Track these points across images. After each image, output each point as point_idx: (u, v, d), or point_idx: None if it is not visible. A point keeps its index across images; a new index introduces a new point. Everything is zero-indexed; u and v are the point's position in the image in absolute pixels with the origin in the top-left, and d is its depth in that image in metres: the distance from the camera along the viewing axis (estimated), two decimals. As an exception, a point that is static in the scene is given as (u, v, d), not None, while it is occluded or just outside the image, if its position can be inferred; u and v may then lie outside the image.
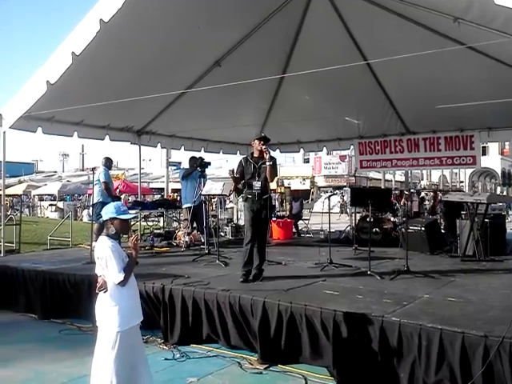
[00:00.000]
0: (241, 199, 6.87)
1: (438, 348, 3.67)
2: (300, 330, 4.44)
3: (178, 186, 10.95)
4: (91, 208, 9.63)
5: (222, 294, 5.03)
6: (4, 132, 7.88)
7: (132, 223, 10.15)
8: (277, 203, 13.80)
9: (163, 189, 18.48)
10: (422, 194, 14.63)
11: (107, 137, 9.97)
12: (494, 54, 7.41)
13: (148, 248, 8.83)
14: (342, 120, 10.67)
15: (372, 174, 30.75)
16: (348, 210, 21.44)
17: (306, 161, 43.73)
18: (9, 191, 28.67)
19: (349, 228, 10.88)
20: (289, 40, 9.04)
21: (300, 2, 8.14)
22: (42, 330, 5.88)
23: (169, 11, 6.93)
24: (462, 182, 41.17)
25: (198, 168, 8.90)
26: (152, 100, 7.60)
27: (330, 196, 11.00)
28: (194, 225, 9.37)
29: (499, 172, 43.43)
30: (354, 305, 4.47)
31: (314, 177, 40.48)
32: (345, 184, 34.38)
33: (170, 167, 18.11)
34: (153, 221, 12.82)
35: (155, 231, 10.70)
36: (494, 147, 41.94)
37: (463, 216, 8.04)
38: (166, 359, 4.72)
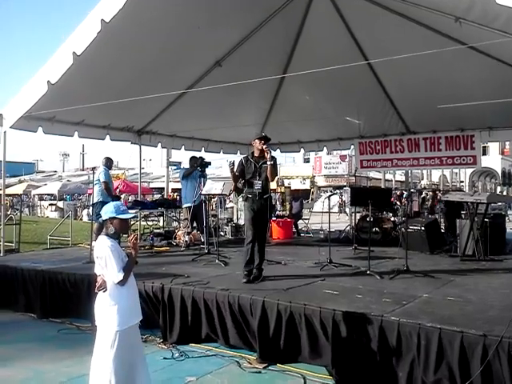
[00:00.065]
0: (241, 199, 6.87)
1: (437, 347, 3.67)
2: (299, 329, 4.44)
3: (179, 185, 10.95)
4: (91, 208, 9.64)
5: (221, 294, 5.03)
6: (5, 132, 7.88)
7: (132, 223, 10.16)
8: (278, 203, 13.80)
9: (163, 188, 18.49)
10: (423, 193, 14.62)
11: (108, 137, 9.98)
12: (495, 54, 7.41)
13: (148, 247, 8.84)
14: (343, 120, 10.66)
15: (372, 174, 30.78)
16: (347, 209, 21.44)
17: (307, 160, 43.72)
18: (9, 191, 28.70)
19: (349, 228, 10.88)
20: (290, 40, 9.04)
21: (301, 2, 8.14)
22: (41, 329, 5.88)
23: (169, 11, 6.93)
24: (462, 181, 41.17)
25: (198, 168, 8.91)
26: (152, 100, 7.61)
27: (329, 196, 11.02)
28: (194, 224, 9.37)
29: (499, 172, 43.43)
30: (353, 304, 4.47)
31: (314, 176, 40.48)
32: (345, 184, 34.38)
33: (170, 167, 18.12)
34: (153, 220, 12.84)
35: (155, 231, 10.70)
36: (494, 147, 41.95)
37: (463, 216, 8.04)
38: (164, 358, 4.73)
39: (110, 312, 3.21)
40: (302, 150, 13.50)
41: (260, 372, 4.40)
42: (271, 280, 5.72)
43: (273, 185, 10.20)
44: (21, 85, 7.44)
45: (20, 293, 6.71)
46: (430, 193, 13.36)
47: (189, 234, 9.15)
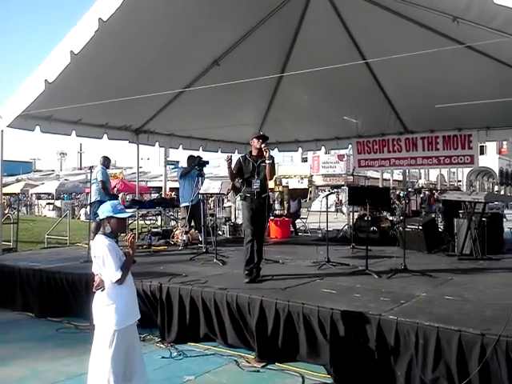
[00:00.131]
0: (239, 198, 6.86)
1: (435, 346, 3.68)
2: (297, 328, 4.44)
3: (176, 184, 10.96)
4: (89, 207, 9.63)
5: (219, 293, 5.03)
6: (2, 131, 7.87)
7: (130, 222, 10.15)
8: (276, 202, 13.81)
9: (161, 188, 18.48)
10: (422, 193, 14.67)
11: (105, 136, 9.95)
12: (493, 54, 7.42)
13: (146, 247, 8.84)
14: (341, 119, 10.66)
15: (370, 173, 30.83)
16: (344, 209, 21.44)
17: (304, 160, 43.75)
18: (6, 190, 28.60)
19: (346, 227, 10.90)
20: (287, 39, 9.04)
21: (299, 1, 8.14)
22: (39, 328, 5.87)
23: (167, 11, 6.92)
24: (459, 181, 41.28)
25: (196, 167, 8.90)
26: (150, 99, 7.60)
27: (327, 195, 11.06)
28: (192, 224, 9.37)
29: (497, 171, 43.57)
30: (351, 303, 4.48)
31: (312, 176, 40.51)
32: (343, 183, 34.42)
33: (168, 166, 18.12)
34: (150, 219, 12.83)
35: (153, 230, 10.70)
36: (491, 146, 42.09)
37: (461, 215, 8.05)
38: (163, 357, 4.73)
39: (108, 311, 3.21)
40: (300, 149, 13.49)
41: (258, 371, 4.41)
42: (269, 279, 5.72)
43: (270, 184, 10.21)
44: (20, 84, 7.42)
45: (18, 292, 6.70)
46: (427, 192, 13.41)
47: (187, 233, 9.15)
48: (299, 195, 15.47)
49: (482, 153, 30.06)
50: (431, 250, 7.98)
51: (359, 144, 11.71)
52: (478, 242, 7.22)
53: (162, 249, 8.82)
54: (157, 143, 11.24)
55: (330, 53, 8.44)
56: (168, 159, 17.90)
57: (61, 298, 6.30)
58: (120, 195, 18.76)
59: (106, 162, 8.85)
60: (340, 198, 30.42)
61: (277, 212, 12.90)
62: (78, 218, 23.17)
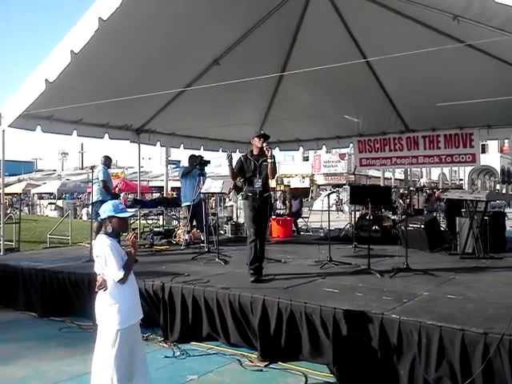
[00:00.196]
0: (240, 197, 6.86)
1: (438, 345, 3.67)
2: (300, 327, 4.44)
3: (178, 184, 10.97)
4: (90, 206, 9.63)
5: (221, 292, 5.03)
6: (3, 131, 7.88)
7: (132, 221, 10.16)
8: (279, 202, 13.79)
9: (163, 187, 18.48)
10: (425, 192, 14.63)
11: (106, 135, 9.96)
12: (493, 52, 7.41)
13: (148, 246, 8.85)
14: (342, 118, 10.66)
15: (371, 172, 30.76)
16: (346, 207, 21.44)
17: (306, 159, 43.71)
18: (8, 190, 28.66)
19: (348, 226, 10.89)
20: (288, 38, 9.03)
21: (299, 1, 8.13)
22: (41, 328, 5.87)
23: (167, 10, 6.92)
24: (461, 179, 41.24)
25: (197, 166, 8.90)
26: (151, 98, 7.60)
27: (329, 194, 11.05)
28: (194, 223, 9.37)
29: (498, 170, 43.50)
30: (353, 302, 4.47)
31: (313, 175, 40.49)
32: (344, 182, 34.39)
33: (169, 165, 18.12)
34: (152, 219, 12.84)
35: (155, 229, 10.71)
36: (493, 145, 42.01)
37: (463, 214, 8.04)
38: (166, 357, 4.73)
39: (111, 311, 3.21)
40: (301, 148, 13.50)
41: (261, 370, 4.40)
42: (271, 278, 5.71)
43: (272, 183, 10.21)
44: (20, 84, 7.43)
45: (20, 292, 6.71)
46: (428, 191, 13.41)
47: (189, 232, 9.15)
48: (301, 194, 15.47)
49: (483, 151, 29.99)
50: (433, 248, 7.97)
51: (360, 143, 11.70)
52: (480, 241, 7.21)
53: (164, 248, 8.82)
54: (158, 143, 11.24)
55: (331, 51, 8.42)
56: (169, 159, 17.92)
57: (63, 298, 6.30)
58: (122, 195, 18.79)
59: (108, 161, 8.85)
60: (341, 198, 30.43)
61: (278, 211, 12.88)
62: (80, 218, 23.21)
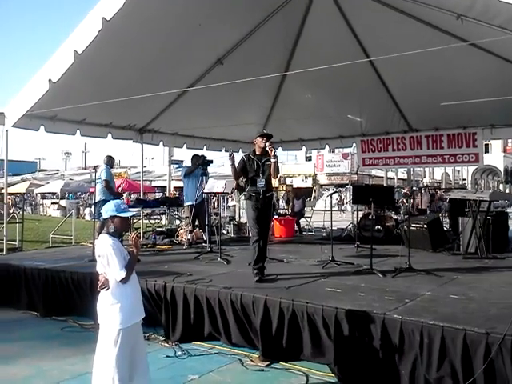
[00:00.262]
0: (243, 197, 6.85)
1: (440, 345, 3.66)
2: (301, 327, 4.44)
3: (181, 184, 10.97)
4: (93, 206, 9.65)
5: (223, 292, 5.03)
6: (7, 130, 7.89)
7: (134, 221, 10.18)
8: (283, 201, 13.80)
9: (166, 187, 18.51)
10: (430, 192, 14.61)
11: (109, 135, 9.98)
12: (497, 51, 7.39)
13: (150, 246, 8.85)
14: (345, 118, 10.65)
15: (374, 172, 30.77)
16: (349, 207, 21.41)
17: (309, 159, 43.68)
18: (11, 189, 28.70)
19: (351, 226, 10.88)
20: (291, 38, 9.03)
21: (302, 0, 8.12)
22: (44, 327, 5.89)
23: (170, 10, 6.93)
24: (464, 179, 41.13)
25: (200, 166, 8.91)
26: (154, 98, 7.61)
27: (331, 194, 11.03)
28: (196, 223, 9.38)
29: (502, 169, 43.31)
30: (355, 302, 4.47)
31: (316, 175, 40.47)
32: (347, 182, 34.36)
33: (172, 165, 18.13)
34: (155, 219, 12.85)
35: (157, 229, 10.72)
36: (496, 145, 41.82)
37: (466, 213, 8.02)
38: (167, 356, 4.73)
39: (113, 310, 3.21)
40: (304, 148, 13.49)
41: (263, 370, 4.40)
42: (273, 278, 5.71)
43: (274, 183, 10.21)
44: (21, 84, 7.46)
45: (23, 291, 6.72)
46: (430, 190, 13.39)
47: (191, 232, 9.15)
48: (303, 194, 15.46)
49: (486, 151, 29.94)
50: (436, 248, 7.95)
51: (363, 142, 11.69)
52: (483, 241, 7.18)
53: (166, 248, 8.83)
54: (161, 142, 11.26)
55: (334, 51, 8.40)
56: (172, 158, 17.95)
57: (65, 297, 6.32)
58: (124, 194, 18.82)
59: (110, 161, 8.87)
60: (342, 197, 30.40)
61: (281, 211, 12.88)
62: (83, 218, 23.25)
